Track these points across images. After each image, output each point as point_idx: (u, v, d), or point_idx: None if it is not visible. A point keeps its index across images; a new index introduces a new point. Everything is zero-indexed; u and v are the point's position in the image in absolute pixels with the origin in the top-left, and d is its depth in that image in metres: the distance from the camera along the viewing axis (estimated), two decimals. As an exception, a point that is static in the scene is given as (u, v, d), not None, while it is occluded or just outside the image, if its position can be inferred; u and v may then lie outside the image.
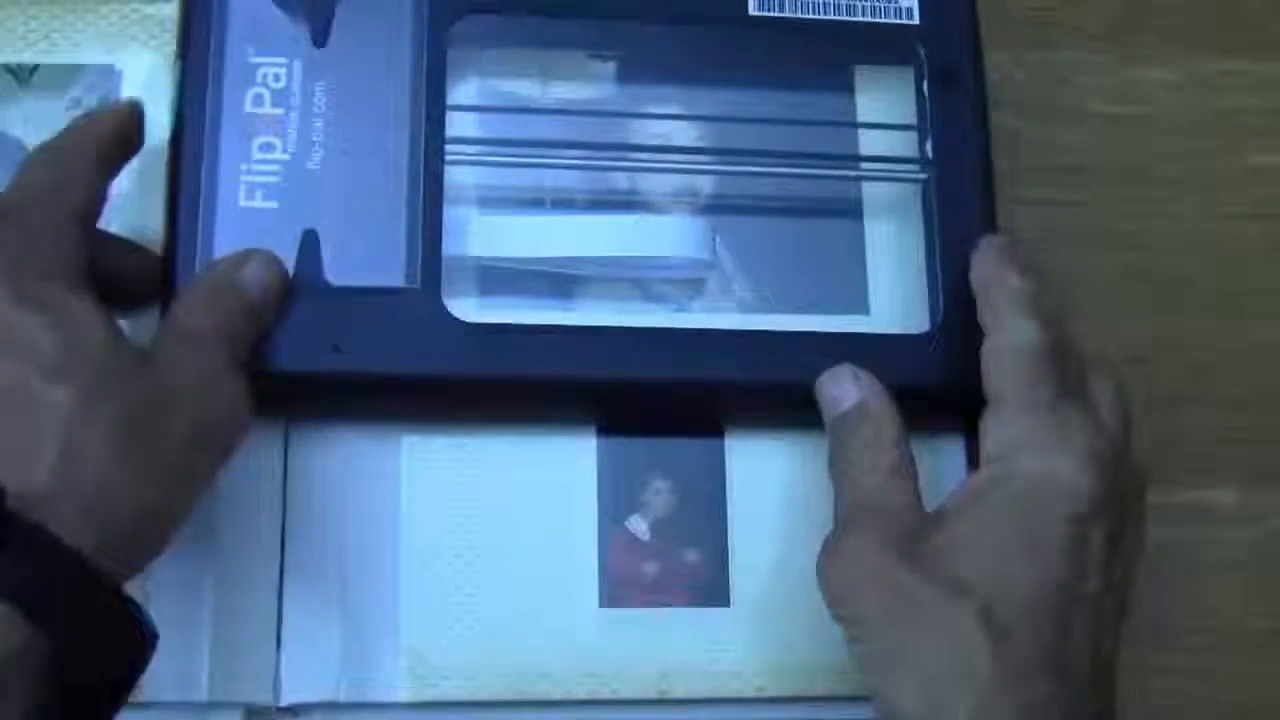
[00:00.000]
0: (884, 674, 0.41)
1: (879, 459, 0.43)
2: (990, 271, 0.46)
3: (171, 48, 0.50)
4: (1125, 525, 0.43)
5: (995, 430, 0.43)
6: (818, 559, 0.43)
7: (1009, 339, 0.44)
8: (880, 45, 0.52)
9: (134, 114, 0.45)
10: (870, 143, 0.52)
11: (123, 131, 0.44)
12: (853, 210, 0.52)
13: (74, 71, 0.50)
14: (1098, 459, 0.42)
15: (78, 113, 0.49)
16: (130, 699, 0.45)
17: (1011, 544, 0.41)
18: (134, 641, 0.37)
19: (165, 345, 0.42)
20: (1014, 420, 0.43)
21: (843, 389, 0.45)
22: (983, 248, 0.47)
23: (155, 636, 0.38)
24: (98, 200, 0.42)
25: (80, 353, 0.37)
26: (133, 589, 0.45)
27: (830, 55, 0.53)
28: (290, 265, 0.46)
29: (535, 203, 0.51)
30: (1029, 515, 0.41)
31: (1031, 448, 0.42)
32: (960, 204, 0.49)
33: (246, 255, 0.45)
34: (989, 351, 0.44)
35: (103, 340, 0.38)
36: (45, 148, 0.43)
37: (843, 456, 0.44)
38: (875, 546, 0.42)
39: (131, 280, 0.45)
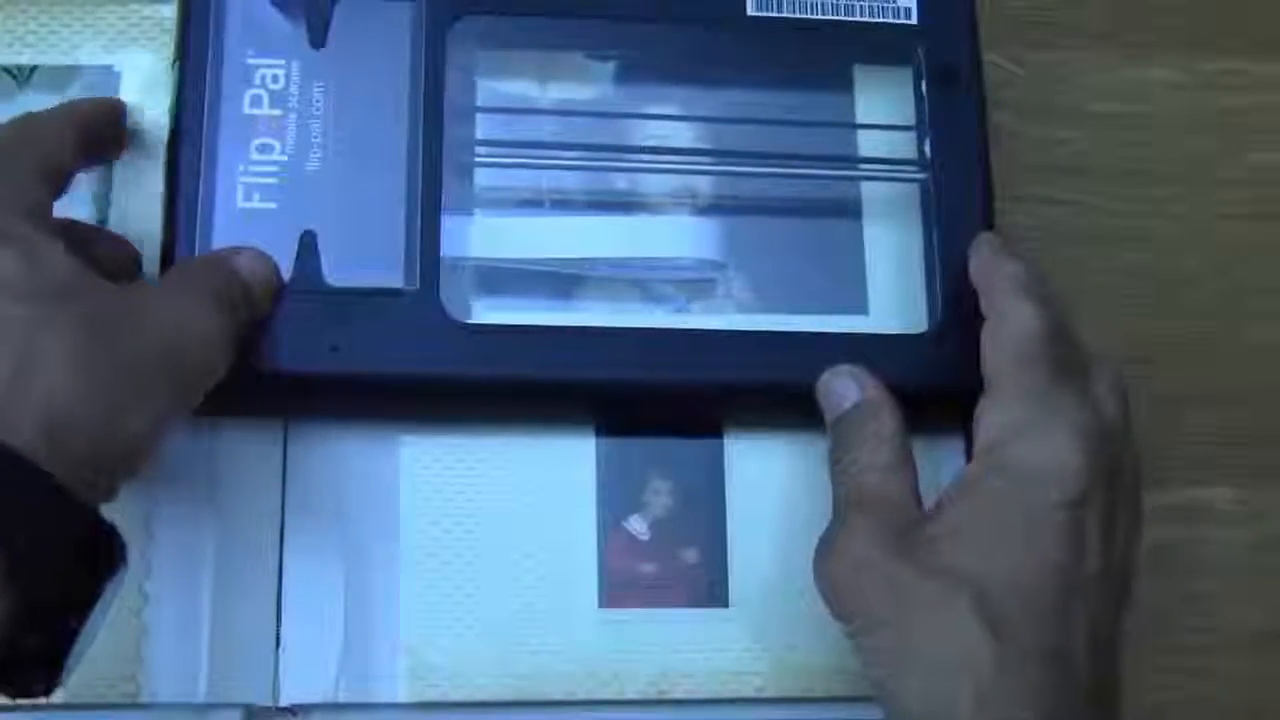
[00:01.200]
0: (885, 668, 0.41)
1: (877, 456, 0.44)
2: (987, 262, 0.47)
3: (170, 49, 0.50)
4: (1120, 506, 0.43)
5: (989, 415, 0.43)
6: (814, 556, 0.43)
7: (1007, 323, 0.44)
8: (879, 45, 0.52)
9: (117, 110, 0.46)
10: (869, 143, 0.52)
11: (99, 121, 0.45)
12: (851, 210, 0.52)
13: (72, 72, 0.50)
14: (1089, 443, 0.42)
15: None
16: (130, 699, 0.45)
17: (1005, 531, 0.41)
18: (96, 552, 0.36)
19: (148, 283, 0.43)
20: (1008, 406, 0.43)
21: (844, 387, 0.46)
22: (978, 243, 0.48)
23: (120, 551, 0.37)
24: (62, 168, 0.42)
25: (44, 276, 0.37)
26: (132, 590, 0.46)
27: (828, 55, 0.53)
28: (288, 266, 0.46)
29: (533, 203, 0.51)
30: (1022, 502, 0.41)
31: (1023, 435, 0.42)
32: (959, 204, 0.49)
33: (237, 248, 0.45)
34: (987, 336, 0.45)
35: (67, 267, 0.38)
36: (19, 116, 0.43)
37: (843, 454, 0.45)
38: (869, 540, 0.42)
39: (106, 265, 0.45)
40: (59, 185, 0.42)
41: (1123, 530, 0.43)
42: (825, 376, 0.46)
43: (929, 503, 0.43)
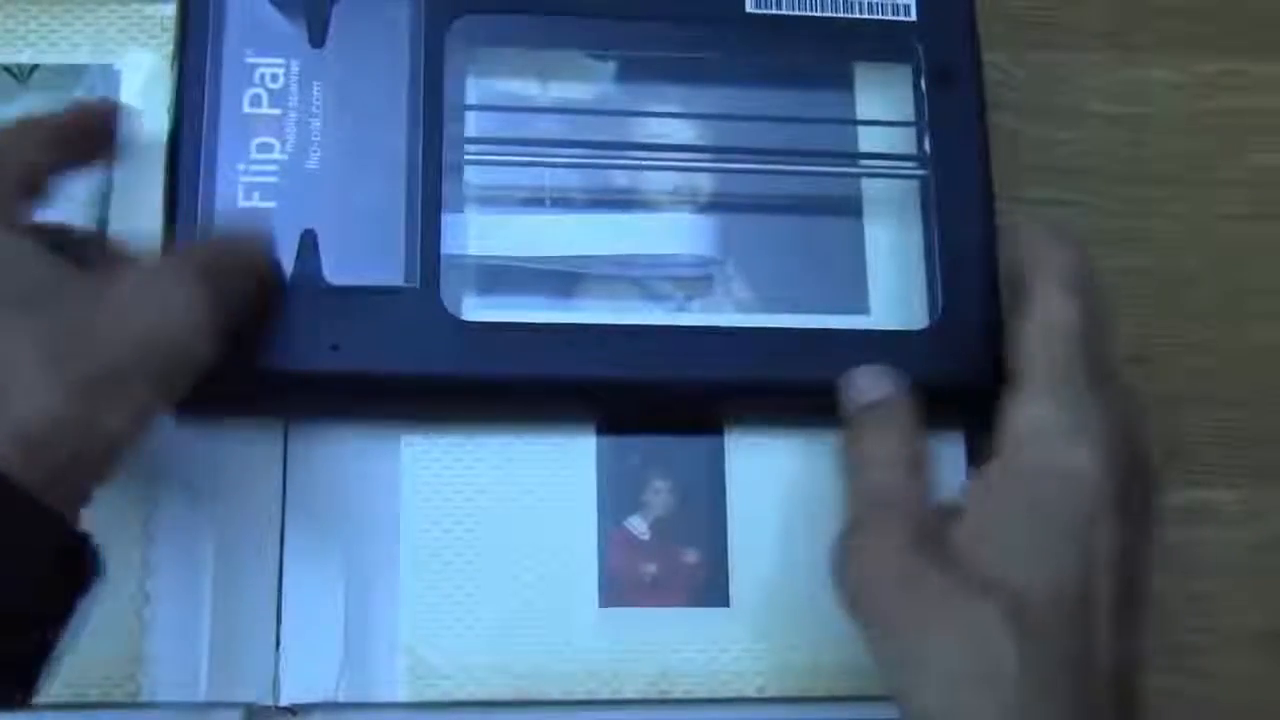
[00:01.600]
0: (907, 675, 0.39)
1: (898, 453, 0.43)
2: (1037, 244, 0.44)
3: (170, 48, 0.50)
4: (1141, 521, 0.41)
5: (1016, 412, 0.41)
6: (832, 558, 0.42)
7: (1048, 315, 0.42)
8: (878, 42, 0.52)
9: (105, 113, 0.45)
10: (869, 140, 0.52)
11: (80, 125, 0.44)
12: (852, 208, 0.52)
13: (73, 72, 0.50)
14: (1119, 454, 0.40)
15: (77, 113, 0.49)
16: (130, 698, 0.45)
17: (1033, 540, 0.40)
18: (72, 561, 0.36)
19: (129, 269, 0.41)
20: (1037, 404, 0.41)
21: (869, 381, 0.45)
22: (1025, 224, 0.45)
23: (97, 560, 0.36)
24: (35, 174, 0.42)
25: (14, 282, 0.37)
26: (132, 590, 0.46)
27: (828, 52, 0.53)
28: (289, 265, 0.46)
29: (533, 201, 0.51)
30: (1049, 510, 0.40)
31: (1051, 438, 0.41)
32: (958, 200, 0.49)
33: (222, 232, 0.45)
34: (1022, 327, 0.42)
35: (35, 264, 0.38)
36: (4, 120, 0.43)
37: (861, 450, 0.44)
38: (897, 545, 0.40)
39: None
40: (35, 191, 0.42)
41: (1142, 549, 0.41)
42: (852, 371, 0.45)
43: (931, 504, 0.43)
